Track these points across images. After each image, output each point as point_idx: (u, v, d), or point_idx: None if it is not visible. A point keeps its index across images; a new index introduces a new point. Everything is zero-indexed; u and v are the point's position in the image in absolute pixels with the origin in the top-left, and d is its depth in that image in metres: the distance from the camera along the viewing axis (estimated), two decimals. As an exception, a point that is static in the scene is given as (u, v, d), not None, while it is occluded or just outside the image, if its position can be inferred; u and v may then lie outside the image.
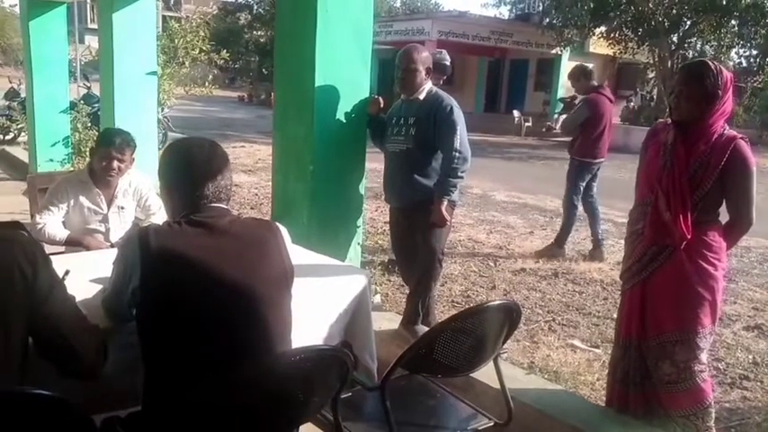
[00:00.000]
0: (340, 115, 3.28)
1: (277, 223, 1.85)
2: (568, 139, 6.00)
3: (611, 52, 20.22)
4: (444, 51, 4.83)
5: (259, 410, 1.45)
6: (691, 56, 18.61)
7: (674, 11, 17.40)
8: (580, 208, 5.77)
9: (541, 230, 7.05)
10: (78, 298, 1.70)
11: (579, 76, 5.61)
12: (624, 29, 18.89)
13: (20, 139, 10.54)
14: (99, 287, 1.93)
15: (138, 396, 1.67)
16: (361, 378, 2.17)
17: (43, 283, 1.40)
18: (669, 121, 2.45)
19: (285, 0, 3.43)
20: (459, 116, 3.21)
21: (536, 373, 3.13)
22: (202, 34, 8.59)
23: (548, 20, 20.16)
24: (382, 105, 3.45)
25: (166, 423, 1.54)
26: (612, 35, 19.23)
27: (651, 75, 21.52)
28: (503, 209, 8.17)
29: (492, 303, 1.78)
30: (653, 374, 2.45)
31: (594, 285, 5.00)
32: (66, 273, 1.83)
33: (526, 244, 6.25)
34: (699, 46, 19.49)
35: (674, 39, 18.50)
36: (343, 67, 3.23)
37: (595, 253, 5.67)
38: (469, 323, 1.78)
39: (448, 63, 4.61)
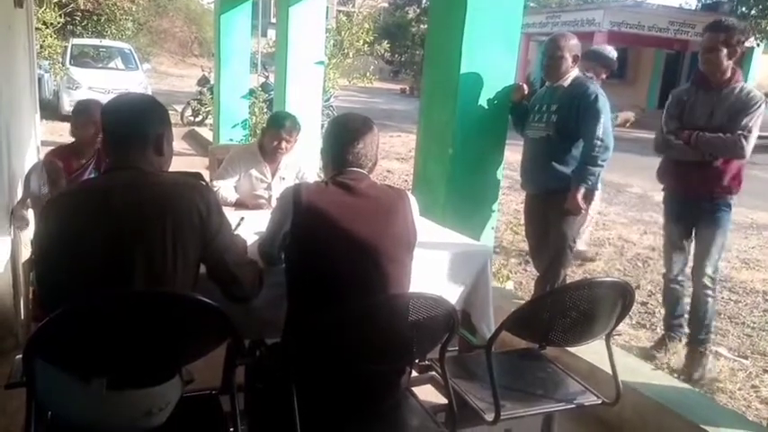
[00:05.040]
0: (482, 102, 3.40)
1: (408, 192, 2.05)
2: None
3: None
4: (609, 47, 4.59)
5: (373, 342, 1.67)
6: None
7: None
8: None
9: (703, 235, 6.54)
10: (244, 244, 2.10)
11: None
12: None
13: (207, 121, 11.94)
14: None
15: (279, 329, 1.98)
16: (474, 341, 2.32)
17: (214, 222, 1.73)
18: None
19: (439, -9, 3.62)
20: (604, 105, 3.17)
21: (663, 370, 3.02)
22: (367, 27, 9.10)
23: (743, 9, 17.98)
24: (526, 93, 3.50)
25: (300, 351, 1.82)
26: (828, 26, 16.73)
27: None
28: (662, 210, 7.66)
29: (601, 279, 1.81)
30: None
31: (755, 296, 4.61)
32: (242, 219, 2.26)
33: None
34: None
35: None
36: (489, 56, 3.34)
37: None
38: (575, 297, 1.82)
39: (614, 57, 4.29)
